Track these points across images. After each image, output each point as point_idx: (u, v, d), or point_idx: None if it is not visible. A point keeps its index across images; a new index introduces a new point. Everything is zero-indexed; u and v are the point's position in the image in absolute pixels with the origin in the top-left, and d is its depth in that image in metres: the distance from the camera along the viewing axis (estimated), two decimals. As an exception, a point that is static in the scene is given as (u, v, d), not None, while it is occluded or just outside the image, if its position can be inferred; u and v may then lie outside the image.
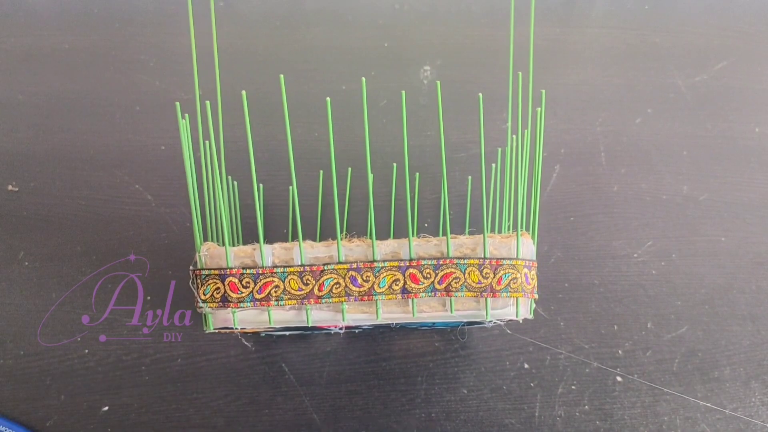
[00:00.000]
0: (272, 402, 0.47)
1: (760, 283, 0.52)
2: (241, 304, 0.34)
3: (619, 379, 0.48)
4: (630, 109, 0.58)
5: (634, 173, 0.55)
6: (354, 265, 0.34)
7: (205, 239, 0.39)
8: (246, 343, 0.48)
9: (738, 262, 0.52)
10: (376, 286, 0.34)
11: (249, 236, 0.49)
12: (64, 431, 0.46)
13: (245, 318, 0.35)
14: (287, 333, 0.46)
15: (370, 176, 0.35)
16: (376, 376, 0.47)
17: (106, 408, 0.46)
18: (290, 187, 0.51)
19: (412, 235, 0.35)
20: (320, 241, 0.36)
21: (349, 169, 0.52)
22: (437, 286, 0.34)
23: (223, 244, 0.35)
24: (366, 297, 0.34)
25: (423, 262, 0.34)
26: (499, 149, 0.49)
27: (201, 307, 0.35)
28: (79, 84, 0.55)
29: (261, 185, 0.52)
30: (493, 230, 0.45)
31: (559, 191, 0.54)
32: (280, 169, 0.53)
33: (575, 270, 0.51)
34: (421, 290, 0.34)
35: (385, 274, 0.34)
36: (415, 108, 0.56)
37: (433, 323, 0.39)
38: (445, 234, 0.35)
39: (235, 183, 0.47)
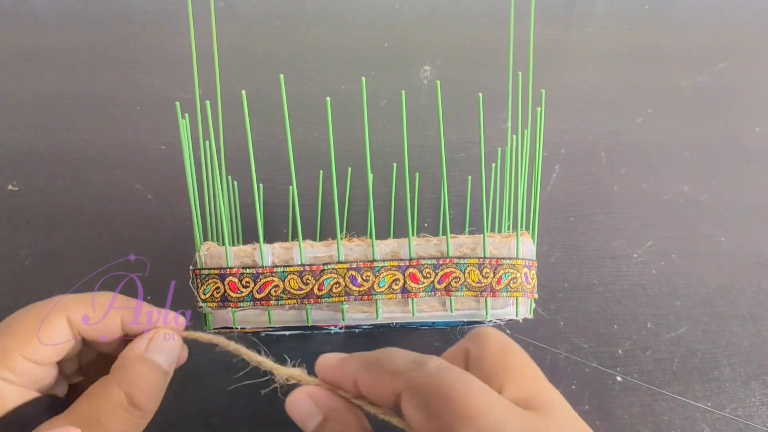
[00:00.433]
0: (272, 401, 0.47)
1: (760, 283, 0.52)
2: (241, 304, 0.34)
3: (618, 378, 0.48)
4: (630, 109, 0.58)
5: (635, 173, 0.55)
6: (354, 265, 0.34)
7: (205, 239, 0.39)
8: (246, 345, 0.48)
9: (738, 263, 0.52)
10: (375, 286, 0.34)
11: (249, 236, 0.49)
12: (64, 431, 0.46)
13: (245, 318, 0.36)
14: (287, 333, 0.46)
15: (370, 176, 0.35)
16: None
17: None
18: (290, 187, 0.51)
19: (412, 235, 0.35)
20: (320, 240, 0.36)
21: (349, 169, 0.52)
22: (437, 286, 0.34)
23: (223, 244, 0.35)
24: (366, 297, 0.34)
25: (423, 262, 0.34)
26: (499, 149, 0.49)
27: (201, 307, 0.35)
28: (79, 84, 0.55)
29: (261, 185, 0.52)
30: (493, 230, 0.45)
31: (559, 191, 0.54)
32: (280, 169, 0.53)
33: (575, 270, 0.51)
34: (421, 290, 0.34)
35: (384, 273, 0.34)
36: (415, 108, 0.56)
37: (433, 323, 0.39)
38: (445, 234, 0.35)
39: (235, 183, 0.47)
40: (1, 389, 0.27)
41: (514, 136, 0.40)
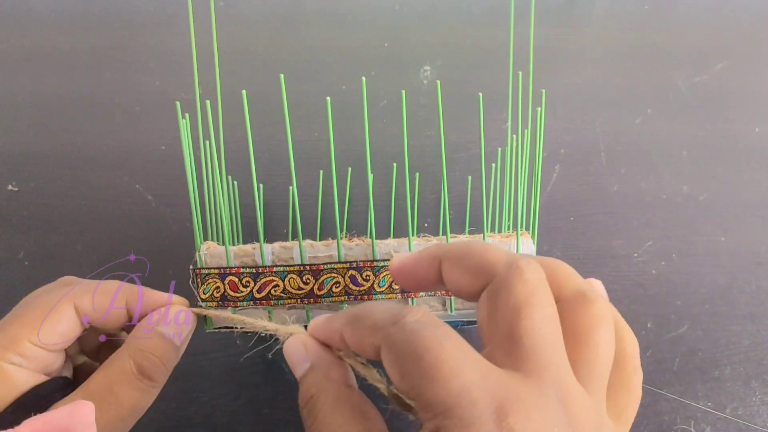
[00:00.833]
0: (272, 401, 0.47)
1: (760, 282, 0.52)
2: (241, 303, 0.34)
3: (619, 378, 0.48)
4: (630, 109, 0.58)
5: (634, 173, 0.55)
6: (354, 264, 0.34)
7: (205, 239, 0.39)
8: (246, 345, 0.48)
9: (738, 262, 0.53)
10: (376, 285, 0.34)
11: (249, 236, 0.49)
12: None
13: (246, 318, 0.35)
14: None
15: (370, 176, 0.35)
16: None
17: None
18: (290, 187, 0.51)
19: (412, 235, 0.35)
20: (320, 240, 0.36)
21: (349, 169, 0.52)
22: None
23: (223, 244, 0.35)
24: (366, 296, 0.34)
25: (423, 262, 0.34)
26: (499, 149, 0.49)
27: (201, 306, 0.35)
28: (79, 84, 0.55)
29: (261, 185, 0.52)
30: (493, 230, 0.45)
31: (559, 191, 0.54)
32: (280, 169, 0.53)
33: (575, 270, 0.51)
34: (421, 290, 0.34)
35: (385, 273, 0.34)
36: (415, 108, 0.56)
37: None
38: (445, 233, 0.35)
39: (235, 183, 0.47)
40: (12, 373, 0.28)
41: (514, 136, 0.40)
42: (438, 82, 0.37)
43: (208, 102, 0.36)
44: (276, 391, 0.47)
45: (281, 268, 0.34)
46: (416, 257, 0.28)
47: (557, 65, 0.59)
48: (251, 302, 0.34)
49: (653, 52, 0.60)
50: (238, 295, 0.34)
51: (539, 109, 0.36)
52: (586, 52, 0.60)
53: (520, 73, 0.38)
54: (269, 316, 0.35)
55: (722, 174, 0.56)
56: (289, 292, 0.34)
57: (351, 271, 0.34)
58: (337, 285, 0.34)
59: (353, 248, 0.35)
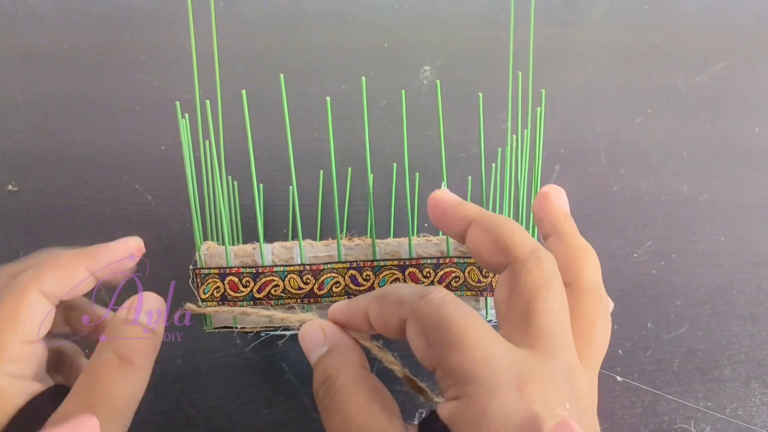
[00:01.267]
0: (272, 401, 0.47)
1: (759, 282, 0.52)
2: (241, 303, 0.34)
3: (618, 379, 0.48)
4: (630, 109, 0.58)
5: (634, 173, 0.55)
6: (354, 264, 0.34)
7: (205, 239, 0.39)
8: (246, 345, 0.48)
9: (738, 262, 0.53)
10: (376, 285, 0.34)
11: (249, 236, 0.49)
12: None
13: (245, 318, 0.35)
14: (287, 333, 0.46)
15: (370, 176, 0.35)
16: (376, 376, 0.47)
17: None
18: (290, 187, 0.51)
19: (412, 235, 0.35)
20: (320, 240, 0.36)
21: (350, 169, 0.52)
22: (437, 285, 0.34)
23: (223, 244, 0.35)
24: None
25: (423, 261, 0.34)
26: (499, 149, 0.49)
27: (201, 306, 0.35)
28: (79, 84, 0.55)
29: (261, 185, 0.52)
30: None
31: (559, 191, 0.54)
32: (280, 169, 0.53)
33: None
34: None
35: (385, 272, 0.34)
36: (415, 108, 0.56)
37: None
38: (445, 233, 0.35)
39: (235, 183, 0.47)
40: (6, 387, 0.28)
41: (514, 136, 0.40)
42: (438, 82, 0.37)
43: (207, 102, 0.36)
44: (276, 392, 0.47)
45: (281, 268, 0.34)
46: (453, 205, 0.30)
47: (557, 65, 0.59)
48: (251, 302, 0.34)
49: (653, 52, 0.60)
50: (238, 295, 0.34)
51: (539, 109, 0.36)
52: (586, 52, 0.60)
53: (520, 72, 0.38)
54: (269, 319, 0.35)
55: (722, 174, 0.56)
56: (289, 292, 0.34)
57: (351, 271, 0.34)
58: (338, 285, 0.34)
59: (353, 248, 0.35)
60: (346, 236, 0.36)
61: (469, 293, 0.34)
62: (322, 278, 0.34)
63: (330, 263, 0.34)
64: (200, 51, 0.35)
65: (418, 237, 0.36)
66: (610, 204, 0.54)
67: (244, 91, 0.33)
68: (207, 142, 0.37)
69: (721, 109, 0.58)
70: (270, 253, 0.35)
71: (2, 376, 0.28)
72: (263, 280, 0.34)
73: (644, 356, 0.49)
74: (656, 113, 0.58)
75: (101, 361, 0.29)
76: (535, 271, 0.26)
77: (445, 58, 0.58)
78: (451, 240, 0.35)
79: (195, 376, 0.47)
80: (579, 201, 0.54)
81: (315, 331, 0.30)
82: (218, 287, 0.34)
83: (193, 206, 0.35)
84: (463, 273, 0.34)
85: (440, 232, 0.50)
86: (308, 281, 0.34)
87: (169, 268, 0.49)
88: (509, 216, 0.44)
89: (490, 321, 0.37)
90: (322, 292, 0.34)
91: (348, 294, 0.34)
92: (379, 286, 0.34)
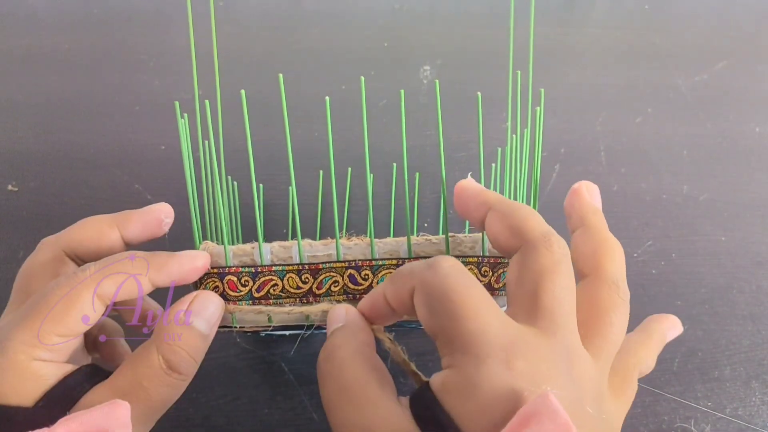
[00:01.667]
0: (272, 401, 0.47)
1: (760, 282, 0.52)
2: (240, 303, 0.34)
3: (619, 379, 0.48)
4: (630, 108, 0.58)
5: (634, 173, 0.55)
6: (352, 263, 0.34)
7: (205, 239, 0.39)
8: (246, 345, 0.48)
9: (738, 262, 0.52)
10: (374, 284, 0.34)
11: (249, 236, 0.49)
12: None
13: (245, 317, 0.35)
14: (287, 333, 0.46)
15: (369, 176, 0.35)
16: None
17: (106, 408, 0.46)
18: (290, 187, 0.51)
19: (412, 234, 0.35)
20: (319, 240, 0.36)
21: (349, 168, 0.52)
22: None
23: (223, 243, 0.35)
24: (365, 295, 0.34)
25: (421, 261, 0.34)
26: (499, 149, 0.49)
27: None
28: (79, 84, 0.55)
29: (261, 185, 0.52)
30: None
31: (559, 191, 0.54)
32: (280, 169, 0.53)
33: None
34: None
35: (384, 272, 0.34)
36: (415, 108, 0.56)
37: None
38: (445, 233, 0.35)
39: (235, 183, 0.47)
40: (39, 368, 0.28)
41: (514, 136, 0.40)
42: (437, 81, 0.37)
43: (207, 102, 0.36)
44: (275, 392, 0.47)
45: (280, 268, 0.34)
46: (476, 192, 0.32)
47: (557, 65, 0.59)
48: (250, 301, 0.34)
49: (653, 51, 0.60)
50: (236, 294, 0.34)
51: (538, 108, 0.36)
52: (586, 52, 0.60)
53: (519, 72, 0.38)
54: (269, 318, 0.35)
55: (722, 173, 0.55)
56: (288, 291, 0.34)
57: (350, 270, 0.34)
58: (336, 284, 0.34)
59: (352, 247, 0.35)
60: (345, 236, 0.36)
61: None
62: (320, 277, 0.34)
63: (328, 262, 0.34)
64: (200, 51, 0.35)
65: (417, 236, 0.36)
66: (610, 204, 0.54)
67: (243, 91, 0.33)
68: (206, 142, 0.37)
69: (722, 109, 0.58)
70: (269, 252, 0.35)
71: (35, 361, 0.28)
72: (262, 279, 0.34)
73: (644, 356, 0.49)
74: (656, 113, 0.57)
75: (149, 363, 0.29)
76: (545, 254, 0.27)
77: (444, 58, 0.58)
78: (450, 240, 0.35)
79: (195, 376, 0.47)
80: (579, 201, 0.54)
81: (339, 309, 0.31)
82: (217, 286, 0.34)
83: (192, 206, 0.35)
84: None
85: (440, 232, 0.50)
86: (307, 280, 0.34)
87: (168, 268, 0.49)
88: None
89: None
90: (320, 292, 0.34)
91: (346, 293, 0.34)
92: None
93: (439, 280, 0.26)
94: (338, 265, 0.34)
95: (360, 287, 0.34)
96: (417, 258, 0.34)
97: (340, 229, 0.50)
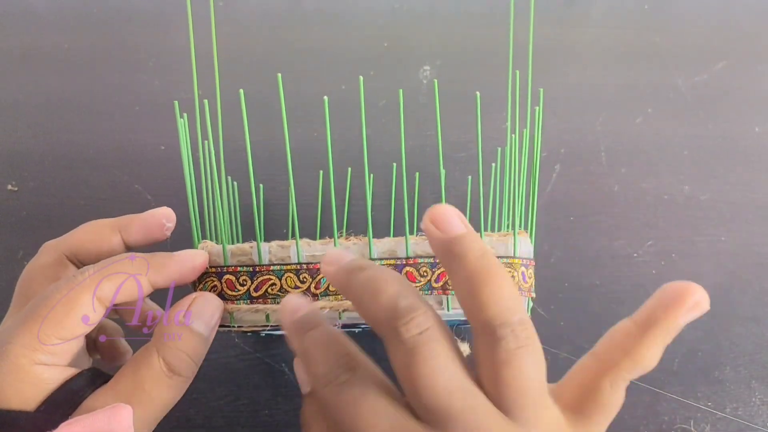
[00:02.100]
0: (272, 402, 0.47)
1: (761, 283, 0.52)
2: (238, 302, 0.34)
3: (619, 379, 0.48)
4: (630, 108, 0.57)
5: (635, 173, 0.55)
6: (351, 263, 0.34)
7: (205, 239, 0.39)
8: (246, 346, 0.48)
9: (739, 262, 0.52)
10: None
11: (249, 236, 0.49)
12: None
13: (244, 317, 0.35)
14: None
15: (369, 176, 0.35)
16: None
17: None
18: (289, 187, 0.51)
19: (411, 234, 0.35)
20: (319, 240, 0.36)
21: (349, 168, 0.52)
22: (434, 284, 0.34)
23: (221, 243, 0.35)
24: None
25: (420, 260, 0.34)
26: (499, 149, 0.49)
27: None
28: (79, 84, 0.55)
29: (261, 185, 0.52)
30: (493, 230, 0.45)
31: (559, 191, 0.54)
32: (280, 169, 0.53)
33: (575, 270, 0.51)
34: (418, 288, 0.34)
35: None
36: (415, 108, 0.56)
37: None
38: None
39: (235, 183, 0.47)
40: (41, 372, 0.28)
41: (513, 136, 0.40)
42: (435, 81, 0.37)
43: (206, 102, 0.36)
44: (275, 393, 0.47)
45: (278, 267, 0.34)
46: (331, 277, 0.29)
47: (557, 65, 0.59)
48: (248, 301, 0.34)
49: (653, 51, 0.60)
50: (235, 293, 0.34)
51: (537, 108, 0.36)
52: (586, 52, 0.60)
53: (518, 71, 0.38)
54: (267, 317, 0.35)
55: (723, 173, 0.55)
56: (286, 290, 0.34)
57: None
58: (335, 284, 0.34)
59: (351, 247, 0.35)
60: (344, 236, 0.36)
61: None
62: (319, 277, 0.34)
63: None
64: (199, 51, 0.35)
65: (416, 236, 0.35)
66: (610, 204, 0.54)
67: (242, 91, 0.33)
68: (206, 142, 0.37)
69: (722, 109, 0.58)
70: (267, 252, 0.35)
71: (37, 365, 0.28)
72: (260, 278, 0.34)
73: (644, 356, 0.49)
74: (657, 113, 0.57)
75: (150, 366, 0.29)
76: (397, 346, 0.25)
77: (444, 58, 0.58)
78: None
79: (195, 377, 0.47)
80: (579, 201, 0.54)
81: (301, 369, 0.30)
82: (215, 286, 0.34)
83: (191, 206, 0.35)
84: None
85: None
86: (305, 280, 0.34)
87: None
88: (508, 216, 0.43)
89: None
90: (318, 291, 0.34)
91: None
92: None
93: (334, 401, 0.25)
94: (337, 264, 0.34)
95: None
96: (416, 258, 0.34)
97: (340, 229, 0.50)
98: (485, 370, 0.25)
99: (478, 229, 0.37)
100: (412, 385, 0.24)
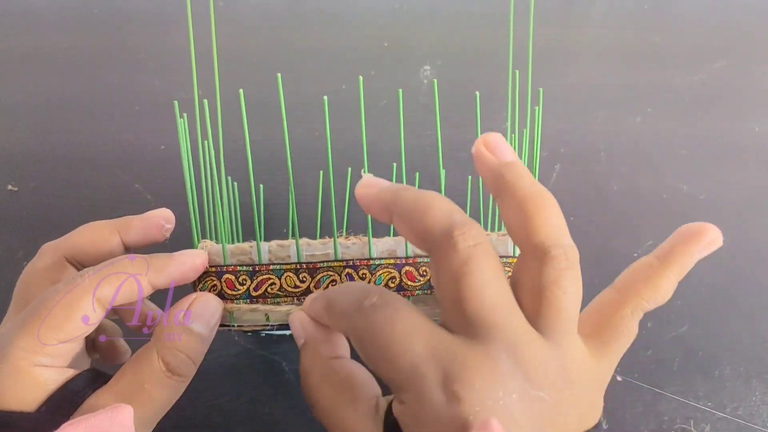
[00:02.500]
0: (272, 401, 0.47)
1: (760, 281, 0.52)
2: (237, 301, 0.34)
3: (619, 378, 0.48)
4: (630, 108, 0.58)
5: (634, 172, 0.55)
6: (350, 262, 0.34)
7: (204, 238, 0.39)
8: (246, 344, 0.48)
9: (738, 261, 0.52)
10: (372, 284, 0.34)
11: (249, 236, 0.49)
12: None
13: (243, 316, 0.35)
14: (287, 332, 0.46)
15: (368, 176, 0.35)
16: (375, 375, 0.47)
17: (106, 407, 0.46)
18: (289, 186, 0.51)
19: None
20: (319, 239, 0.36)
21: (349, 168, 0.52)
22: (433, 284, 0.34)
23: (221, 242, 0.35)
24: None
25: (419, 260, 0.34)
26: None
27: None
28: (79, 84, 0.55)
29: (261, 185, 0.52)
30: (493, 230, 0.45)
31: (559, 190, 0.54)
32: (281, 169, 0.53)
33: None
34: (417, 288, 0.34)
35: (381, 271, 0.34)
36: (415, 108, 0.56)
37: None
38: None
39: (235, 183, 0.48)
40: (40, 374, 0.28)
41: (513, 135, 0.40)
42: (435, 81, 0.37)
43: (206, 102, 0.36)
44: (276, 391, 0.47)
45: (278, 266, 0.34)
46: (373, 198, 0.29)
47: (557, 65, 0.59)
48: (247, 300, 0.34)
49: (652, 51, 0.60)
50: (234, 293, 0.34)
51: (537, 108, 0.36)
52: (585, 52, 0.60)
53: (518, 72, 0.38)
54: (267, 317, 0.35)
55: (722, 173, 0.55)
56: (286, 290, 0.34)
57: (347, 270, 0.34)
58: (334, 283, 0.34)
59: (350, 247, 0.35)
60: (344, 235, 0.36)
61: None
62: (318, 276, 0.34)
63: (326, 261, 0.34)
64: (199, 51, 0.35)
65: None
66: (610, 203, 0.54)
67: (241, 91, 0.33)
68: (206, 142, 0.37)
69: (721, 108, 0.58)
70: (267, 251, 0.35)
71: (37, 366, 0.28)
72: (260, 278, 0.34)
73: (645, 356, 0.49)
74: (656, 112, 0.57)
75: (150, 366, 0.29)
76: (451, 256, 0.25)
77: (444, 58, 0.58)
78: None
79: (195, 376, 0.47)
80: (579, 200, 0.54)
81: (295, 323, 0.31)
82: (215, 285, 0.34)
83: (191, 205, 0.36)
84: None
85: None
86: (305, 279, 0.34)
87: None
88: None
89: None
90: (318, 291, 0.34)
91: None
92: (376, 285, 0.34)
93: (364, 325, 0.25)
94: (336, 264, 0.34)
95: (358, 286, 0.34)
96: (415, 257, 0.34)
97: (340, 229, 0.50)
98: (528, 291, 0.26)
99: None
100: (458, 296, 0.24)
